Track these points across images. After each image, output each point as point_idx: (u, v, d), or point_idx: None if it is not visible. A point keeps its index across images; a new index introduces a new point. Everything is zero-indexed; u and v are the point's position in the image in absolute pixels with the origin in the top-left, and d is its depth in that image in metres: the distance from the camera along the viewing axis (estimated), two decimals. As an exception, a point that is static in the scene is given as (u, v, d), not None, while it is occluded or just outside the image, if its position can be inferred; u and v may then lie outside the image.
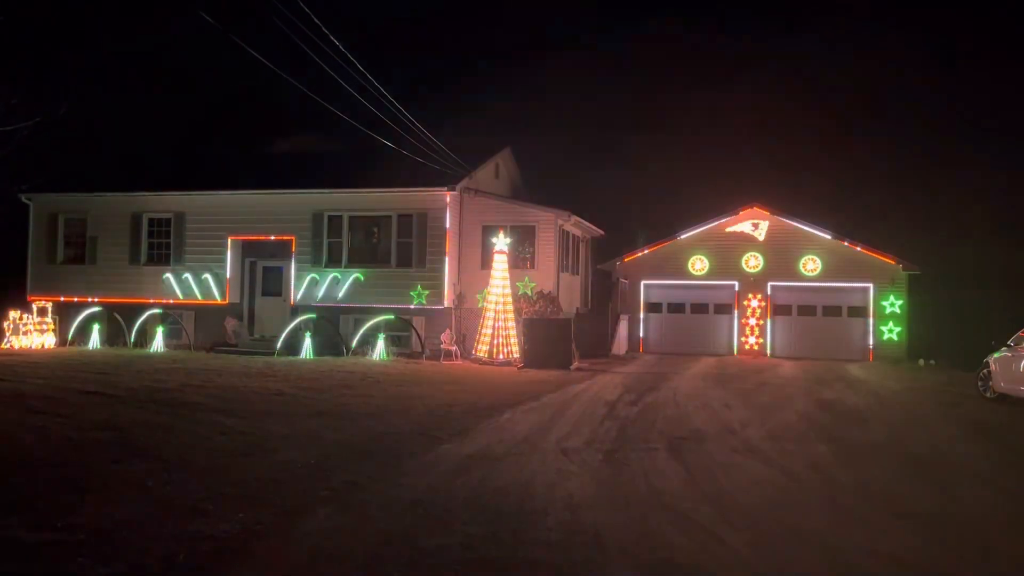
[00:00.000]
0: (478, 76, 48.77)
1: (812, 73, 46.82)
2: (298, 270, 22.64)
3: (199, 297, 23.19)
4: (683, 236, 26.47)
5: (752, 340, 25.90)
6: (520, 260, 22.37)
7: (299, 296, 22.55)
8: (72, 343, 22.96)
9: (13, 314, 22.04)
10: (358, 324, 22.01)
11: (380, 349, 20.54)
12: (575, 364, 19.86)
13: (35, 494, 6.64)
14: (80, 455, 8.08)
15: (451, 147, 21.75)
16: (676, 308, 26.79)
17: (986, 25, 44.75)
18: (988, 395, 15.39)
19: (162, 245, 23.80)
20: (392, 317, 21.52)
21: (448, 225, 21.77)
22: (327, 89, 18.17)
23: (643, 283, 26.75)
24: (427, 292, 21.71)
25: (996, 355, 15.32)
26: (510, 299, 20.68)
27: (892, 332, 24.84)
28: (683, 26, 52.17)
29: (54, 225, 24.62)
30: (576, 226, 25.11)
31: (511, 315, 20.54)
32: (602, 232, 28.11)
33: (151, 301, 23.30)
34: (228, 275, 23.14)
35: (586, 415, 12.02)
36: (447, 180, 21.63)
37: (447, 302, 21.69)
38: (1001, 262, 26.48)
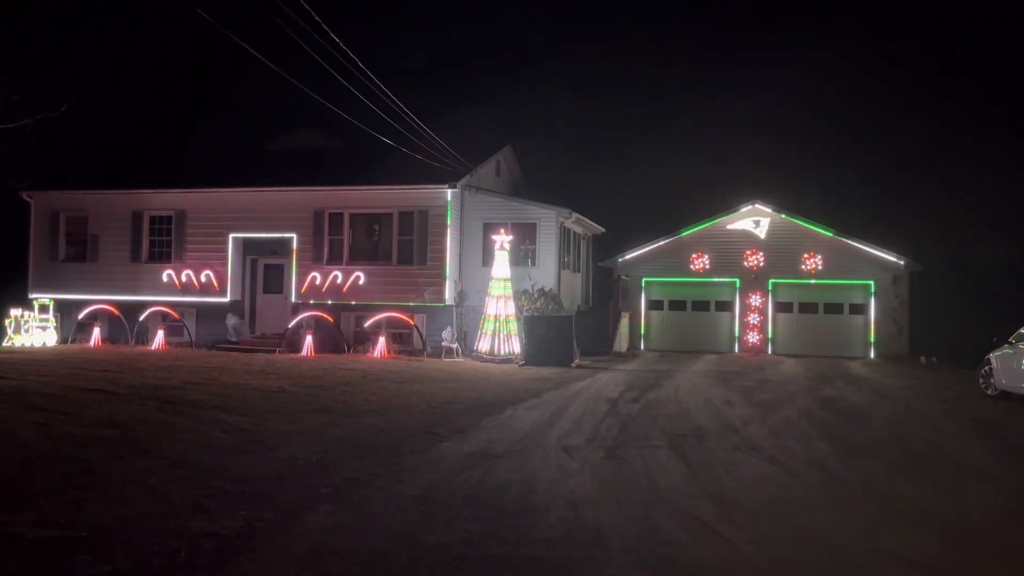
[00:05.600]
0: (480, 74, 48.72)
1: (814, 70, 46.74)
2: (299, 267, 22.64)
3: (200, 295, 23.19)
4: (684, 233, 26.44)
5: (753, 337, 25.88)
6: (521, 257, 22.36)
7: (300, 293, 22.54)
8: (73, 341, 22.99)
9: (15, 312, 22.06)
10: (359, 322, 22.03)
11: (381, 346, 20.55)
12: (576, 361, 19.86)
13: (37, 491, 6.64)
14: (82, 452, 8.09)
15: (452, 145, 21.73)
16: (677, 305, 26.77)
17: (987, 22, 44.69)
18: (990, 392, 15.38)
19: (163, 243, 23.81)
20: (393, 315, 21.51)
21: (449, 223, 21.76)
22: (329, 87, 18.16)
23: (644, 280, 26.73)
24: (428, 289, 21.71)
25: (998, 352, 15.30)
26: (511, 296, 20.66)
27: (894, 329, 24.81)
28: (685, 23, 52.12)
29: (55, 223, 24.62)
30: (577, 223, 25.10)
31: (512, 312, 20.53)
32: (603, 229, 28.10)
33: (152, 299, 23.31)
34: (229, 273, 23.14)
35: (587, 412, 12.01)
36: (448, 178, 21.62)
37: (448, 299, 21.69)
38: (1003, 259, 26.46)
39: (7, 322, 21.97)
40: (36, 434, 8.84)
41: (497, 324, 20.41)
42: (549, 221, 22.60)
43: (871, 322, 25.05)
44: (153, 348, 21.68)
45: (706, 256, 26.21)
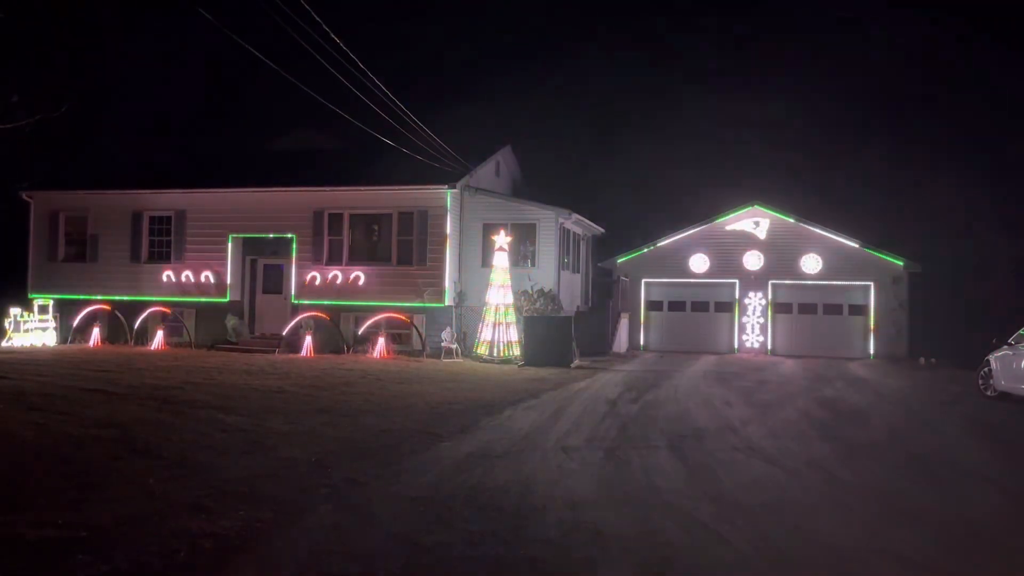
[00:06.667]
0: (479, 74, 48.74)
1: (813, 70, 46.78)
2: (299, 268, 22.64)
3: (200, 295, 23.19)
4: (684, 234, 26.46)
5: (753, 338, 25.89)
6: (521, 258, 22.36)
7: (300, 294, 22.54)
8: (73, 341, 22.99)
9: (14, 312, 22.06)
10: (359, 322, 22.03)
11: (380, 347, 20.55)
12: (575, 362, 19.86)
13: (37, 491, 6.64)
14: (81, 452, 8.09)
15: (452, 145, 21.74)
16: (677, 306, 26.79)
17: (986, 23, 44.69)
18: (989, 393, 15.38)
19: (163, 243, 23.81)
20: (393, 315, 21.52)
21: (449, 223, 21.76)
22: (328, 86, 18.16)
23: (644, 281, 26.74)
24: (428, 290, 21.71)
25: (997, 354, 15.30)
26: (511, 297, 20.68)
27: (893, 330, 24.83)
28: (684, 24, 52.13)
29: (55, 223, 24.62)
30: (577, 224, 25.11)
31: (512, 313, 20.54)
32: (603, 230, 28.11)
33: (152, 299, 23.31)
34: (229, 273, 23.14)
35: (587, 413, 12.02)
36: (448, 178, 21.63)
37: (448, 300, 21.70)
38: (1002, 260, 26.46)
39: (6, 322, 21.96)
40: (35, 434, 8.83)
41: (496, 325, 20.42)
42: (549, 222, 22.61)
43: (870, 323, 25.07)
44: (152, 348, 21.67)
45: (706, 257, 26.22)
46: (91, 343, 22.51)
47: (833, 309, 25.61)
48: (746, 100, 43.60)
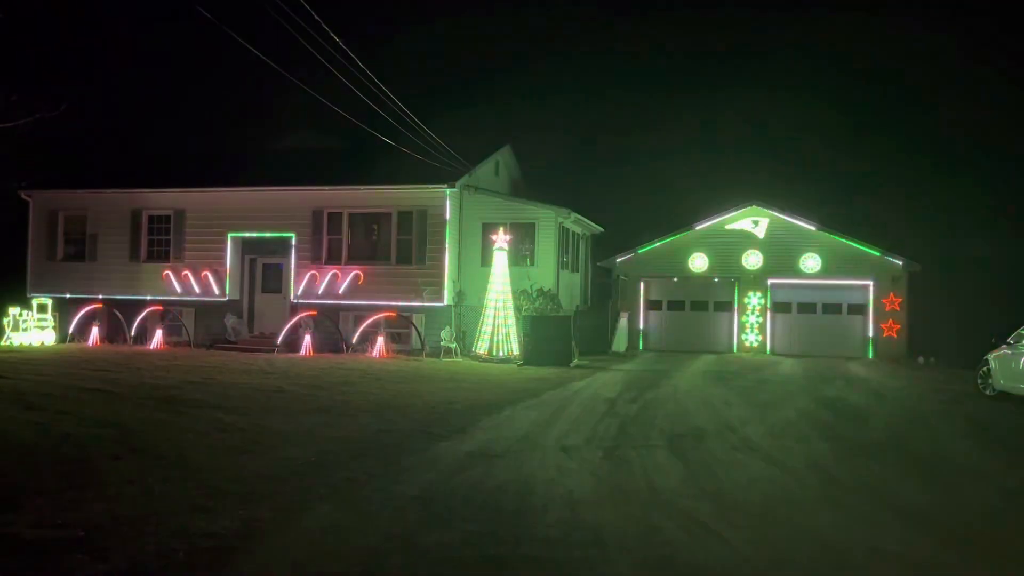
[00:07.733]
0: (479, 74, 48.72)
1: (813, 70, 46.79)
2: (298, 267, 22.63)
3: (199, 294, 23.18)
4: (683, 233, 26.44)
5: (752, 337, 25.87)
6: (520, 257, 22.35)
7: (299, 293, 22.54)
8: (72, 340, 22.96)
9: (13, 311, 22.05)
10: (358, 321, 22.01)
11: (380, 346, 20.54)
12: (575, 361, 19.85)
13: (34, 491, 6.63)
14: (80, 452, 8.08)
15: (451, 144, 21.73)
16: (676, 305, 26.78)
17: (985, 20, 44.69)
18: (988, 393, 15.38)
19: (162, 242, 23.80)
20: (392, 314, 21.51)
21: (448, 222, 21.76)
22: (328, 86, 18.17)
23: (643, 280, 26.73)
24: (427, 289, 21.71)
25: (996, 353, 15.30)
26: (510, 296, 20.67)
27: (892, 329, 24.82)
28: (684, 23, 52.12)
29: (54, 222, 24.60)
30: (576, 223, 25.10)
31: (511, 312, 20.53)
32: (602, 229, 28.10)
33: (151, 298, 23.30)
34: (228, 272, 23.13)
35: (586, 412, 12.01)
36: (447, 177, 21.62)
37: (447, 299, 21.69)
38: (1001, 259, 26.48)
39: (5, 321, 21.95)
40: (34, 434, 8.83)
41: (496, 324, 20.41)
42: (548, 221, 22.61)
43: (869, 322, 25.06)
44: (151, 348, 21.66)
45: (705, 256, 26.21)
46: (90, 342, 22.49)
47: (832, 308, 25.61)
48: (746, 100, 43.63)
